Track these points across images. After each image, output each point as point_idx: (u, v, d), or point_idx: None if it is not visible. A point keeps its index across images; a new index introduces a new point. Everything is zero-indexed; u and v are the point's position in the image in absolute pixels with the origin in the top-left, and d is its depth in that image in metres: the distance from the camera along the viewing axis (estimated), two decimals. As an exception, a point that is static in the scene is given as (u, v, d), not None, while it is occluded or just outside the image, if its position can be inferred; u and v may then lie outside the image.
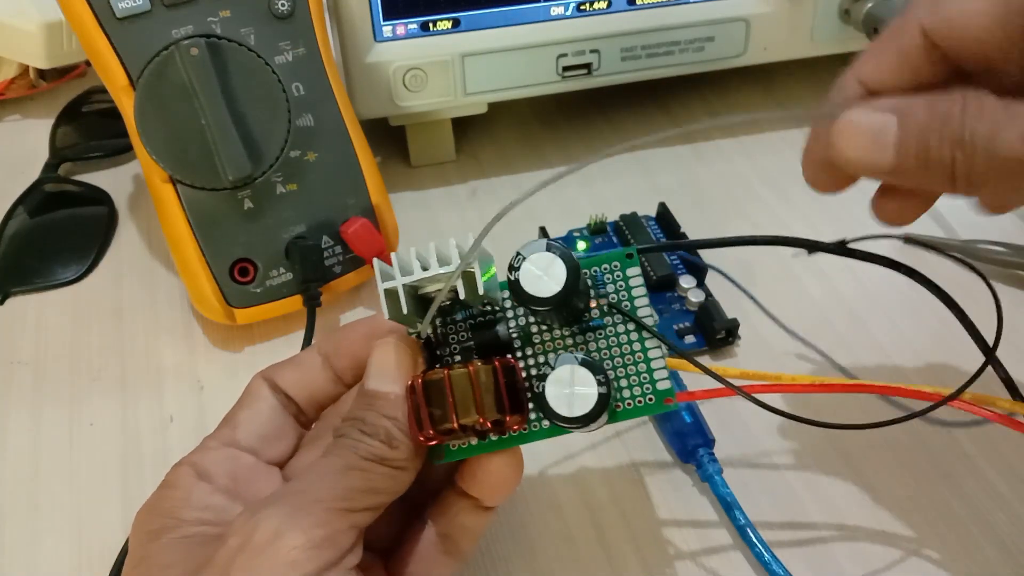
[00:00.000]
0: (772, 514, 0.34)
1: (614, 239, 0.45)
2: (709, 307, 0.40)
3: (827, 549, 0.33)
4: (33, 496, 0.36)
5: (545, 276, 0.25)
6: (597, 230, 0.45)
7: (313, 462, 0.27)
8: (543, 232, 0.44)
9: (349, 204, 0.41)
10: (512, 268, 0.26)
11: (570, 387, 0.26)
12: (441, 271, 0.26)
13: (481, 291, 0.26)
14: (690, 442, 0.35)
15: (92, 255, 0.46)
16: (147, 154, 0.37)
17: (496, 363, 0.26)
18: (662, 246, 0.42)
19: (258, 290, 0.40)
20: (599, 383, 0.26)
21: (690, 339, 0.40)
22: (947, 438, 0.36)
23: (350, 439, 0.26)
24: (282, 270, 0.41)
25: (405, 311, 0.26)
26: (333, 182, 0.41)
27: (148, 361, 0.41)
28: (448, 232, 0.47)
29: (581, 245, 0.44)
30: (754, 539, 0.32)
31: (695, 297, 0.40)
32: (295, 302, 0.41)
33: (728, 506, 0.33)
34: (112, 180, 0.51)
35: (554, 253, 0.26)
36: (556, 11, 0.47)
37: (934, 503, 0.34)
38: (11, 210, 0.49)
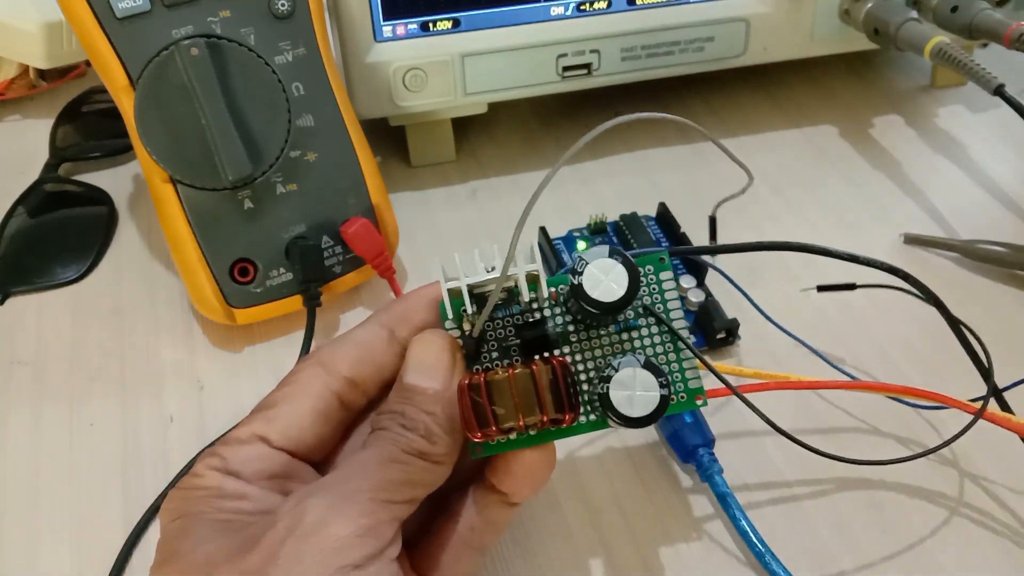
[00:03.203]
0: (772, 514, 0.34)
1: (614, 239, 0.44)
2: (709, 307, 0.40)
3: (827, 549, 0.33)
4: (33, 496, 0.36)
5: (606, 280, 0.27)
6: (597, 230, 0.45)
7: (354, 454, 0.27)
8: (543, 232, 0.44)
9: (349, 204, 0.41)
10: (575, 272, 0.27)
11: (632, 389, 0.27)
12: (507, 273, 0.27)
13: (546, 292, 0.28)
14: (690, 442, 0.35)
15: (92, 255, 0.46)
16: (147, 154, 0.37)
17: (555, 362, 0.27)
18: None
19: (258, 290, 0.40)
20: (660, 385, 0.27)
21: (690, 339, 0.40)
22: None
23: (391, 432, 0.26)
24: (282, 270, 0.41)
25: (470, 311, 0.28)
26: (333, 182, 0.41)
27: (148, 361, 0.41)
28: (448, 232, 0.47)
29: (581, 245, 0.44)
30: (754, 539, 0.32)
31: (695, 297, 0.40)
32: (295, 302, 0.41)
33: (728, 506, 0.33)
34: (112, 180, 0.51)
35: (616, 259, 0.27)
36: (556, 11, 0.47)
37: (935, 502, 0.34)
38: (11, 210, 0.49)
